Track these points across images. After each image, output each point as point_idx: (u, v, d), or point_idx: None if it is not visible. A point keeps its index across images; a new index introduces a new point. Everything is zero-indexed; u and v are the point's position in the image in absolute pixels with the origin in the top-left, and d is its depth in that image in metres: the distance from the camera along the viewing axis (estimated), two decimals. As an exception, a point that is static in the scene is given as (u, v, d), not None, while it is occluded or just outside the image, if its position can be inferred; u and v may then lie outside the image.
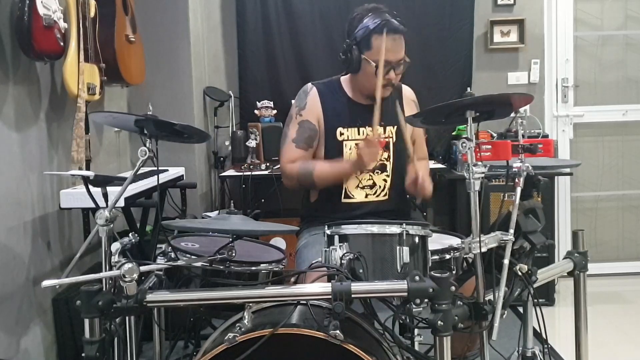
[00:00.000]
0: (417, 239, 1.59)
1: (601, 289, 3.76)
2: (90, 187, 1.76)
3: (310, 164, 2.19)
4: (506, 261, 1.56)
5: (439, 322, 1.35)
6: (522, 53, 4.08)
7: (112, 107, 3.24)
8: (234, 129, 3.93)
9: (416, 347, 1.68)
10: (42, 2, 2.23)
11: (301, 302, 1.49)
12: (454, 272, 1.71)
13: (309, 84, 2.30)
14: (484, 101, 1.58)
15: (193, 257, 1.69)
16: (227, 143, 3.92)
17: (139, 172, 1.61)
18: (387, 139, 2.25)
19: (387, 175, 2.24)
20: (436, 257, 1.70)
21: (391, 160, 2.25)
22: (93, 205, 1.75)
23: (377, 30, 2.08)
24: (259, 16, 3.95)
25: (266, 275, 1.72)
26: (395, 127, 2.26)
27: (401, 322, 1.56)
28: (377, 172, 2.23)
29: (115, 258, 1.60)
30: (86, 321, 1.36)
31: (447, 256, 1.73)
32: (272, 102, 3.83)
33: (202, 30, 3.92)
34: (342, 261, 1.49)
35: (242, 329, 1.39)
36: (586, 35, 4.12)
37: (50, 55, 2.38)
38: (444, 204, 3.95)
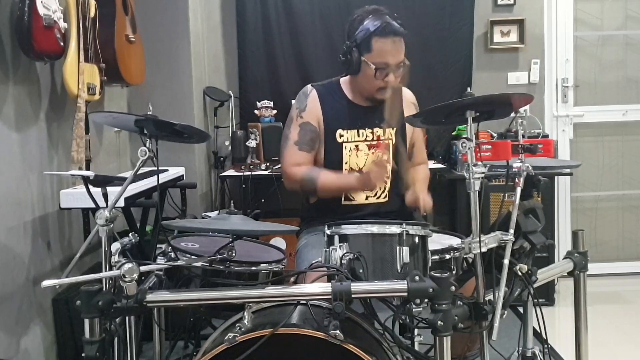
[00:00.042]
0: (417, 239, 1.59)
1: (601, 289, 3.76)
2: (90, 187, 1.76)
3: (315, 171, 2.18)
4: (506, 261, 1.56)
5: (439, 322, 1.35)
6: (522, 53, 4.08)
7: (112, 107, 3.24)
8: (234, 129, 3.93)
9: (416, 347, 1.68)
10: (42, 2, 2.23)
11: (301, 302, 1.49)
12: (454, 272, 1.71)
13: (309, 86, 2.29)
14: (484, 101, 1.58)
15: (193, 257, 1.69)
16: (227, 143, 3.92)
17: (139, 172, 1.61)
18: (387, 141, 2.25)
19: (387, 177, 2.24)
20: (436, 257, 1.70)
21: (391, 162, 2.25)
22: (93, 205, 1.75)
23: (377, 33, 2.08)
24: (259, 16, 3.95)
25: (266, 275, 1.71)
26: (395, 129, 2.26)
27: (401, 322, 1.56)
28: None
29: (115, 258, 1.60)
30: (86, 321, 1.36)
31: (447, 256, 1.72)
32: (272, 102, 3.83)
33: (202, 30, 3.92)
34: (342, 261, 1.49)
35: (242, 329, 1.39)
36: (586, 35, 4.12)
37: (50, 55, 2.38)
38: (444, 204, 3.94)
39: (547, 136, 3.86)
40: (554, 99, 4.12)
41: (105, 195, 1.72)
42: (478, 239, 1.52)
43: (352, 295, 1.36)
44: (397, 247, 1.56)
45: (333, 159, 2.22)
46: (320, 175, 2.16)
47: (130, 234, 1.70)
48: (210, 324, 1.91)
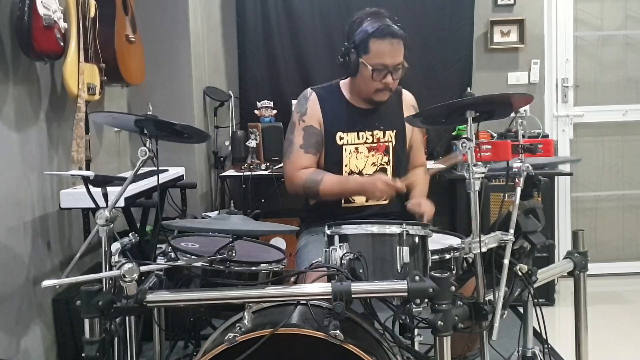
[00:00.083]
0: (417, 239, 1.59)
1: (601, 289, 3.76)
2: (90, 187, 1.76)
3: (318, 174, 2.18)
4: (506, 261, 1.56)
5: (439, 322, 1.35)
6: (522, 53, 4.08)
7: (112, 107, 3.24)
8: (234, 129, 3.93)
9: (416, 347, 1.68)
10: (42, 2, 2.23)
11: (301, 302, 1.49)
12: (454, 272, 1.71)
13: (309, 89, 2.29)
14: (484, 101, 1.58)
15: (193, 257, 1.69)
16: (227, 143, 3.92)
17: (139, 172, 1.61)
18: (386, 143, 2.25)
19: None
20: (436, 257, 1.70)
21: (391, 164, 2.25)
22: (93, 205, 1.75)
23: (375, 34, 2.08)
24: (259, 16, 3.95)
25: (266, 275, 1.71)
26: (395, 131, 2.26)
27: (401, 322, 1.56)
28: None
29: (115, 258, 1.60)
30: (86, 321, 1.36)
31: (447, 256, 1.72)
32: (272, 102, 3.83)
33: (202, 30, 3.92)
34: (342, 261, 1.49)
35: (242, 329, 1.39)
36: (586, 35, 4.12)
37: (50, 55, 2.38)
38: (444, 204, 3.94)
39: (547, 136, 3.87)
40: (554, 99, 4.12)
41: (105, 195, 1.72)
42: (478, 239, 1.52)
43: (352, 295, 1.36)
44: (397, 247, 1.56)
45: (333, 162, 2.22)
46: (324, 178, 2.16)
47: (130, 234, 1.70)
48: (210, 324, 1.91)
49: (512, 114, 1.74)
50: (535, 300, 1.74)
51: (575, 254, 1.94)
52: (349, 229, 1.61)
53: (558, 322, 3.35)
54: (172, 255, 1.71)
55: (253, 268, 1.70)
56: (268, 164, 3.65)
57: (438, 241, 1.81)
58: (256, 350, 1.33)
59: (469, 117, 1.55)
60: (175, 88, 3.63)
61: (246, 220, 1.74)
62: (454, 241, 1.81)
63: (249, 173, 3.57)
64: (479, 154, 1.55)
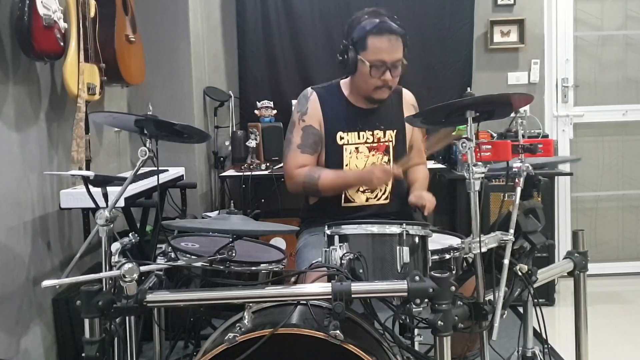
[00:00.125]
0: (417, 239, 1.59)
1: (601, 289, 3.76)
2: (90, 187, 1.76)
3: (316, 171, 2.18)
4: (506, 261, 1.56)
5: (439, 322, 1.35)
6: (522, 53, 4.08)
7: (112, 107, 3.24)
8: (234, 129, 3.93)
9: (416, 347, 1.68)
10: (42, 2, 2.23)
11: (301, 302, 1.49)
12: (454, 272, 1.71)
13: (309, 89, 2.29)
14: (484, 101, 1.58)
15: (193, 257, 1.69)
16: (227, 143, 3.92)
17: (139, 172, 1.61)
18: (387, 143, 2.25)
19: (387, 184, 2.23)
20: (436, 257, 1.70)
21: (391, 164, 2.25)
22: (93, 205, 1.75)
23: (373, 31, 2.08)
24: (259, 16, 3.95)
25: (266, 275, 1.71)
26: (395, 130, 2.26)
27: (401, 322, 1.56)
28: None
29: (115, 258, 1.60)
30: (86, 321, 1.36)
31: (447, 256, 1.72)
32: (272, 102, 3.83)
33: (202, 30, 3.92)
34: (342, 261, 1.49)
35: (242, 329, 1.39)
36: (586, 35, 4.12)
37: (50, 55, 2.38)
38: (444, 204, 3.94)
39: (547, 136, 3.86)
40: (554, 99, 4.12)
41: (105, 195, 1.72)
42: (478, 239, 1.52)
43: (352, 295, 1.36)
44: (397, 247, 1.56)
45: (334, 161, 2.22)
46: (321, 174, 2.17)
47: (130, 234, 1.70)
48: (210, 324, 1.91)
49: (512, 114, 1.74)
50: (535, 300, 1.74)
51: (575, 254, 1.93)
52: (349, 229, 1.61)
53: (558, 322, 3.35)
54: (172, 255, 1.71)
55: (253, 268, 1.70)
56: (268, 164, 3.65)
57: (438, 241, 1.81)
58: (256, 350, 1.33)
59: (469, 117, 1.55)
60: (175, 88, 3.62)
61: (246, 220, 1.74)
62: (454, 241, 1.81)
63: (249, 173, 3.57)
64: (479, 154, 1.55)
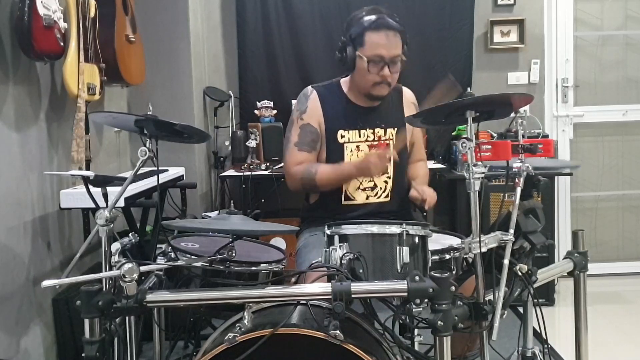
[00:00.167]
0: (417, 239, 1.59)
1: (601, 289, 3.76)
2: (90, 187, 1.76)
3: (313, 166, 2.19)
4: (506, 261, 1.56)
5: (439, 322, 1.35)
6: (522, 53, 4.08)
7: (112, 107, 3.24)
8: (234, 129, 3.93)
9: (416, 347, 1.68)
10: (42, 2, 2.23)
11: (301, 302, 1.49)
12: (454, 272, 1.71)
13: (309, 87, 2.30)
14: (484, 101, 1.58)
15: (193, 257, 1.69)
16: (227, 143, 3.92)
17: (139, 172, 1.61)
18: (387, 141, 2.25)
19: (388, 177, 2.23)
20: (436, 257, 1.70)
21: (392, 162, 2.25)
22: (93, 205, 1.75)
23: (371, 27, 2.09)
24: (259, 16, 3.95)
25: (266, 275, 1.71)
26: (396, 128, 2.26)
27: (401, 322, 1.56)
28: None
29: (115, 258, 1.60)
30: (86, 321, 1.36)
31: (447, 256, 1.72)
32: (272, 102, 3.83)
33: (202, 30, 3.92)
34: (342, 261, 1.49)
35: (242, 329, 1.39)
36: (586, 35, 4.12)
37: (50, 55, 2.38)
38: (444, 204, 3.94)
39: (547, 136, 3.86)
40: (554, 99, 4.12)
41: (105, 195, 1.72)
42: (478, 239, 1.52)
43: (352, 295, 1.36)
44: (397, 247, 1.56)
45: (334, 160, 2.22)
46: (318, 169, 2.17)
47: (130, 234, 1.70)
48: (210, 324, 1.91)
49: (512, 114, 1.74)
50: (535, 300, 1.74)
51: (575, 254, 1.94)
52: (349, 229, 1.61)
53: (558, 322, 3.35)
54: (172, 255, 1.71)
55: (253, 268, 1.70)
56: (268, 164, 3.65)
57: (438, 241, 1.81)
58: (256, 350, 1.33)
59: (469, 117, 1.55)
60: (175, 88, 3.63)
61: (246, 220, 1.74)
62: (454, 241, 1.81)
63: (248, 173, 3.57)
64: (479, 154, 1.55)
